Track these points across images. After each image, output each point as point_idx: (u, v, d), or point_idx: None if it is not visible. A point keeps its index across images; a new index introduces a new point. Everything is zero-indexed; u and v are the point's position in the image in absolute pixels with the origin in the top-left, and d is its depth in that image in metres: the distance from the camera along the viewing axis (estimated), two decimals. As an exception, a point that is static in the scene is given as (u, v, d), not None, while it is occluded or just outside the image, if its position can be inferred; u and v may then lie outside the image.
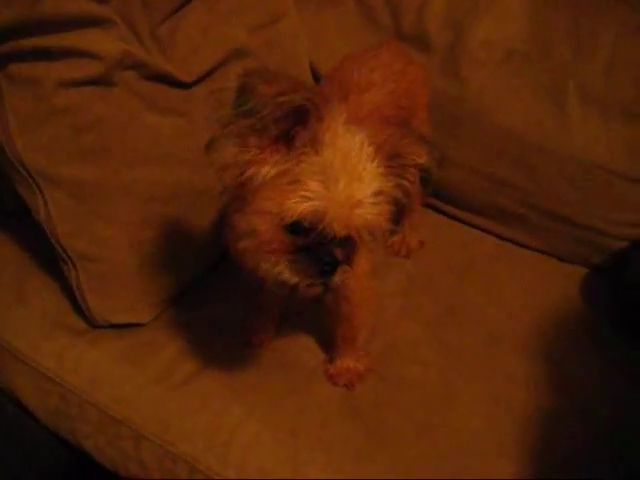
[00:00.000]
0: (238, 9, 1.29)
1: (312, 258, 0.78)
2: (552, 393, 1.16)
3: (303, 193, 0.74)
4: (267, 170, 0.75)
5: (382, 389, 1.14)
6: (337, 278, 0.80)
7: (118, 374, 1.13)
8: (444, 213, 1.53)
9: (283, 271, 0.79)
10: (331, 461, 1.03)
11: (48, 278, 1.24)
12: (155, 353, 1.15)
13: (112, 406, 1.10)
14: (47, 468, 1.30)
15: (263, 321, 1.19)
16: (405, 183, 0.79)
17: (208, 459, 1.04)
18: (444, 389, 1.15)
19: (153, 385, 1.11)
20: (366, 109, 1.08)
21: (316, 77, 1.49)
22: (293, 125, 0.74)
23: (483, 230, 1.48)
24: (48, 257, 1.20)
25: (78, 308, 1.18)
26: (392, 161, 0.78)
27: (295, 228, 0.77)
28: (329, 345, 1.18)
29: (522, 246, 1.45)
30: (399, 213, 0.83)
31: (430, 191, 0.82)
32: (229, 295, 1.25)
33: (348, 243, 0.80)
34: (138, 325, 1.18)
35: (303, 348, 1.20)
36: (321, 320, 1.17)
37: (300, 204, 0.73)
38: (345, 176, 0.75)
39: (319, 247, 0.78)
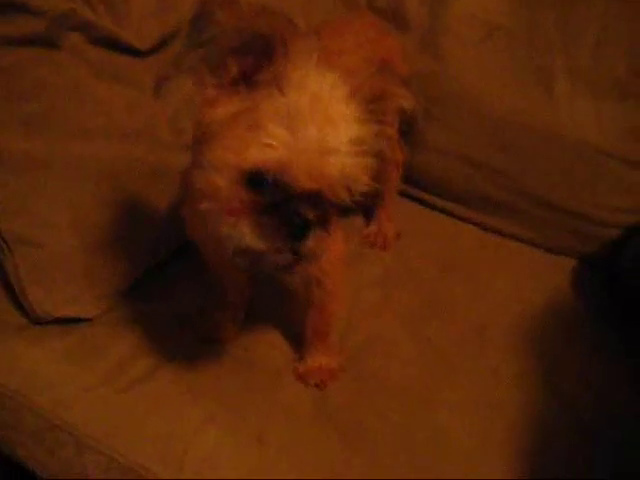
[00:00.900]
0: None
1: (280, 219, 0.67)
2: (540, 390, 1.08)
3: (264, 140, 0.63)
4: (224, 114, 0.64)
5: (357, 389, 1.04)
6: (310, 243, 0.68)
7: (60, 375, 1.00)
8: (422, 202, 1.45)
9: (245, 234, 0.67)
10: (301, 470, 0.92)
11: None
12: (103, 351, 1.02)
13: (52, 409, 0.97)
14: None
15: (226, 315, 1.08)
16: (388, 130, 0.68)
17: (160, 470, 0.92)
18: (425, 388, 1.06)
19: (100, 387, 0.98)
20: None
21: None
22: (255, 61, 0.63)
23: (465, 220, 1.41)
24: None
25: (16, 302, 1.05)
26: (373, 104, 0.67)
27: (257, 183, 0.65)
28: (299, 341, 1.07)
29: (507, 236, 1.38)
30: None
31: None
32: (188, 286, 1.14)
33: (321, 203, 0.68)
34: (84, 320, 1.05)
35: (270, 345, 1.09)
36: (290, 314, 1.07)
37: (260, 153, 0.63)
38: (315, 120, 0.64)
39: (287, 206, 0.66)
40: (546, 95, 1.26)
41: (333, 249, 0.89)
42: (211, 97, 0.65)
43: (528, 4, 1.28)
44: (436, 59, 1.32)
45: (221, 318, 1.08)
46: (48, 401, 0.97)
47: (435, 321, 1.17)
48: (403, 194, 1.42)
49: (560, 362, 1.14)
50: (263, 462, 0.92)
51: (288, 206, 0.67)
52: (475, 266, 1.31)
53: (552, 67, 1.26)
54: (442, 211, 1.42)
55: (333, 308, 1.01)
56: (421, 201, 1.44)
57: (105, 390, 0.98)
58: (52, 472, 0.99)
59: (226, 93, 0.65)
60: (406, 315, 1.17)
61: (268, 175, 0.65)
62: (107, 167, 1.02)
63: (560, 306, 1.24)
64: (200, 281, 1.11)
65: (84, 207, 1.02)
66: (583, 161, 1.23)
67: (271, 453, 0.93)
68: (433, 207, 1.43)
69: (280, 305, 1.09)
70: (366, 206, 1.37)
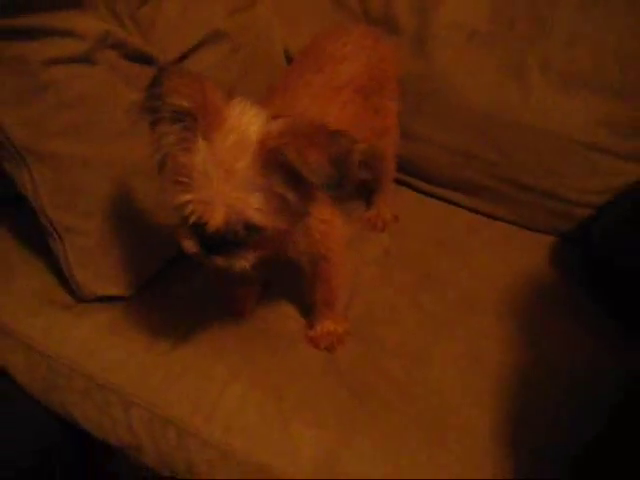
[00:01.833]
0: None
1: (198, 238, 0.90)
2: (525, 350, 1.20)
3: (178, 187, 0.84)
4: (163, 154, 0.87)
5: (361, 351, 1.18)
6: (218, 260, 0.90)
7: (105, 344, 1.16)
8: (415, 188, 1.58)
9: (183, 239, 0.90)
10: (316, 417, 1.07)
11: (33, 258, 1.28)
12: (140, 324, 1.19)
13: (100, 374, 1.13)
14: (44, 450, 1.32)
15: (244, 291, 1.24)
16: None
17: (195, 421, 1.08)
18: (420, 349, 1.20)
19: (140, 353, 1.14)
20: (342, 79, 1.16)
21: (289, 59, 1.55)
22: (186, 122, 0.83)
23: (454, 204, 1.53)
24: (32, 240, 1.26)
25: (63, 284, 1.22)
26: (280, 168, 0.83)
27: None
28: (309, 312, 1.22)
29: (493, 218, 1.51)
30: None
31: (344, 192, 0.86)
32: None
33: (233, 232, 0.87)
34: (121, 299, 1.22)
35: (284, 315, 1.24)
36: (301, 289, 1.21)
37: (178, 198, 0.84)
38: (218, 176, 0.82)
39: (201, 231, 0.87)
40: (521, 90, 1.38)
41: (335, 230, 1.07)
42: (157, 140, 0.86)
43: (505, 9, 1.42)
44: (425, 60, 1.45)
45: (240, 295, 1.24)
46: (96, 365, 1.14)
47: (429, 292, 1.30)
48: (398, 182, 1.55)
49: (544, 327, 1.25)
50: (283, 411, 1.07)
51: (201, 232, 0.87)
52: (465, 244, 1.43)
53: (527, 64, 1.38)
54: (433, 196, 1.55)
55: (338, 281, 1.16)
56: (414, 188, 1.57)
57: (145, 355, 1.14)
58: (104, 429, 1.15)
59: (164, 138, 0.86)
60: (403, 287, 1.30)
61: (185, 212, 0.85)
62: (139, 164, 1.18)
63: (543, 278, 1.36)
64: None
65: (121, 200, 1.17)
66: (555, 148, 1.36)
67: (289, 403, 1.08)
68: (425, 193, 1.56)
69: (292, 281, 1.23)
70: (366, 192, 1.53)
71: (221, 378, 1.12)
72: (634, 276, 1.23)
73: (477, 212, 1.53)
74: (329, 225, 1.06)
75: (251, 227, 0.86)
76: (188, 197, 0.84)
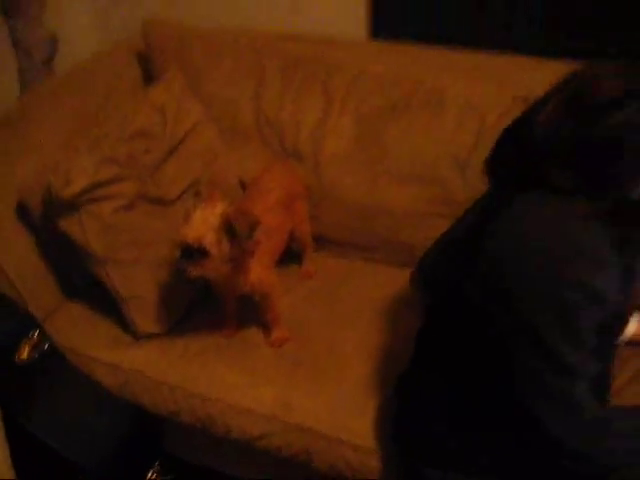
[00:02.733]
0: (193, 155, 2.33)
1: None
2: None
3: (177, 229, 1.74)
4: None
5: (298, 344, 1.98)
6: (189, 269, 1.76)
7: (155, 357, 2.08)
8: (331, 251, 2.45)
9: (176, 254, 1.75)
10: (278, 377, 1.97)
11: (107, 319, 2.23)
12: (173, 346, 2.11)
13: (155, 375, 2.05)
14: (125, 435, 2.08)
15: (229, 322, 2.16)
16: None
17: (202, 390, 2.00)
18: (335, 336, 2.01)
19: (177, 360, 2.06)
20: (270, 202, 2.05)
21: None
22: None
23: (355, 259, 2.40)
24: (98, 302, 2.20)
25: (126, 328, 2.14)
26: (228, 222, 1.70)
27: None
28: (266, 327, 2.13)
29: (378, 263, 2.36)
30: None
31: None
32: (211, 308, 2.23)
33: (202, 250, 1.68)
34: (160, 334, 2.14)
35: (253, 332, 2.14)
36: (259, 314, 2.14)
37: (177, 234, 1.72)
38: (194, 222, 1.69)
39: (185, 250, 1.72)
40: (377, 185, 2.27)
41: (268, 278, 2.01)
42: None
43: (368, 134, 2.34)
44: (318, 177, 2.26)
45: (227, 324, 2.17)
46: (154, 371, 2.05)
47: (338, 304, 2.18)
48: (318, 247, 2.34)
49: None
50: (255, 379, 1.97)
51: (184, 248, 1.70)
52: (362, 284, 2.33)
53: (382, 167, 2.25)
54: (346, 257, 2.34)
55: (272, 303, 1.98)
56: (327, 250, 2.36)
57: (180, 361, 2.04)
58: (158, 406, 2.04)
59: None
60: (321, 306, 2.19)
61: (180, 236, 1.70)
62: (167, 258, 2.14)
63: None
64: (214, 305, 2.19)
65: (160, 274, 2.13)
66: (404, 223, 2.23)
67: (261, 374, 1.98)
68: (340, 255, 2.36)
69: (253, 310, 2.14)
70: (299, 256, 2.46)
71: (220, 370, 2.03)
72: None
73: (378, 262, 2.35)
74: (264, 275, 1.93)
75: (204, 249, 1.66)
76: (184, 228, 1.70)
